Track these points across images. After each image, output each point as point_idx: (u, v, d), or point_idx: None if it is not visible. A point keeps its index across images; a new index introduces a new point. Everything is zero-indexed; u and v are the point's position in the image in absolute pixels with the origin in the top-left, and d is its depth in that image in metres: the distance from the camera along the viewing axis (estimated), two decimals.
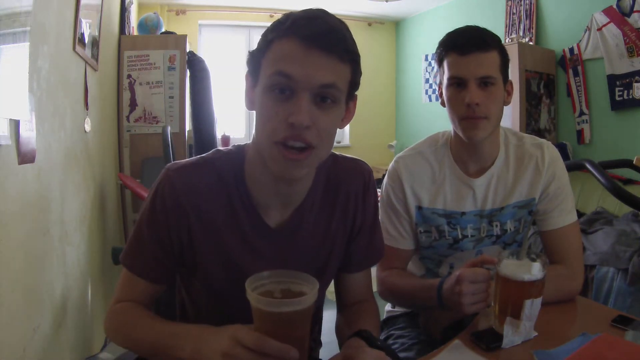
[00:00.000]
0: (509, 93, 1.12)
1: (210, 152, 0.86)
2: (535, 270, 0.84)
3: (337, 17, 0.74)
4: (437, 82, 1.16)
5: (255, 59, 0.74)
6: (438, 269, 1.23)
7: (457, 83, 1.06)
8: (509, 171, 1.14)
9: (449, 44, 1.07)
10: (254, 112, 0.76)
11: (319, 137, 0.71)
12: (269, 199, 0.82)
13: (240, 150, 0.84)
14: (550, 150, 1.14)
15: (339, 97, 0.72)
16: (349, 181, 0.90)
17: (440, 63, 1.10)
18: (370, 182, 0.93)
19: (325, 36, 0.69)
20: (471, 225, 1.16)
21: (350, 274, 0.96)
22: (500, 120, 1.11)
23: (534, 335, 0.87)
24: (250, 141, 0.82)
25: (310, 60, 0.68)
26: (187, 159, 0.84)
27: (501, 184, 1.14)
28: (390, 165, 1.20)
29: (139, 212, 0.84)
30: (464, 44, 1.04)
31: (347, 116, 0.79)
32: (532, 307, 0.83)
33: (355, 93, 0.79)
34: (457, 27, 1.10)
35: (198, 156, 0.84)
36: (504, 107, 1.11)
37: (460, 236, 1.16)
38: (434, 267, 1.23)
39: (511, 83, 1.12)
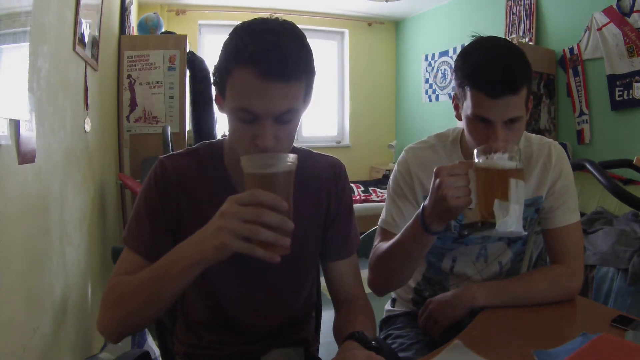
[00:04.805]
0: (528, 109, 1.03)
1: (197, 144, 0.97)
2: (512, 162, 0.84)
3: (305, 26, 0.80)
4: (453, 92, 1.10)
5: (220, 79, 0.80)
6: (440, 263, 1.22)
7: (481, 120, 0.99)
8: None
9: (477, 81, 0.96)
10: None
11: (282, 143, 0.79)
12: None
13: (220, 141, 0.96)
14: (557, 149, 1.16)
15: (297, 112, 0.80)
16: (322, 172, 0.99)
17: (462, 89, 1.02)
18: (341, 174, 1.02)
19: (282, 68, 0.73)
20: None
21: (335, 263, 1.02)
22: None
23: (524, 233, 0.86)
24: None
25: (269, 94, 0.74)
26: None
27: None
28: (401, 155, 1.22)
29: (136, 199, 0.93)
30: (494, 87, 0.94)
31: (305, 109, 0.85)
32: (517, 187, 0.82)
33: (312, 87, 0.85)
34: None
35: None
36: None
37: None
38: (436, 261, 1.22)
39: (531, 100, 1.05)
